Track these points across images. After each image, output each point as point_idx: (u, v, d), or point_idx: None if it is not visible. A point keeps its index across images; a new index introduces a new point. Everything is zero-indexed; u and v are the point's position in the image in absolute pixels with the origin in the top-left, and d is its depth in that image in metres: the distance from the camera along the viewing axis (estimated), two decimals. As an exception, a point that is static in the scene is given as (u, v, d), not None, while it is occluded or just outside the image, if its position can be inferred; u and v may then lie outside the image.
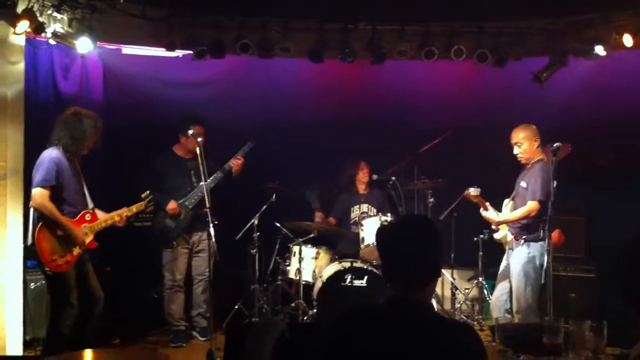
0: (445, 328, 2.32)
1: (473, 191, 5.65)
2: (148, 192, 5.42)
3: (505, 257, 5.70)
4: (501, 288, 5.67)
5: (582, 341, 2.77)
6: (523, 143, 5.51)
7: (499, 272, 5.75)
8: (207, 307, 6.13)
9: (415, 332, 2.24)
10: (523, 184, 5.52)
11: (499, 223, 5.69)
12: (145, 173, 6.23)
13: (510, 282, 5.57)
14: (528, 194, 5.44)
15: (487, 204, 5.70)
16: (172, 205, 6.09)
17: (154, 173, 6.22)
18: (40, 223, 4.78)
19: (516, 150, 5.56)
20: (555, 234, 5.49)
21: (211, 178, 6.08)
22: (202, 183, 5.57)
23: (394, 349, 2.23)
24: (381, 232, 2.50)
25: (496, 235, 5.78)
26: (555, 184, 5.40)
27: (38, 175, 4.81)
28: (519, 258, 5.44)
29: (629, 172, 6.64)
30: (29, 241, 4.83)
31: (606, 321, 2.79)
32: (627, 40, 5.65)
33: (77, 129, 4.93)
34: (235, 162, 6.26)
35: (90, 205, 5.11)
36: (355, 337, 2.29)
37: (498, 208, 5.77)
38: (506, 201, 5.72)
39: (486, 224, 5.97)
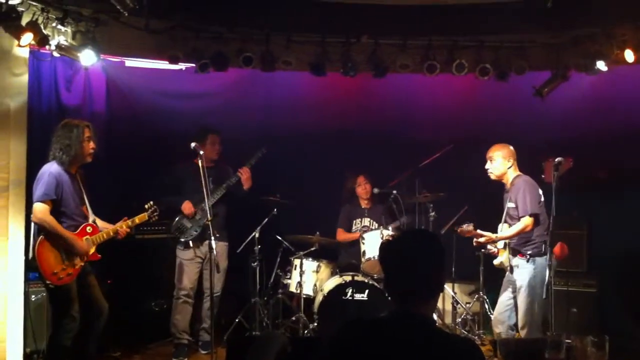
0: (448, 343, 2.31)
1: (466, 227, 5.69)
2: (152, 202, 5.41)
3: (506, 274, 5.70)
4: (503, 304, 5.66)
5: (584, 356, 2.76)
6: (495, 159, 5.64)
7: (501, 289, 5.74)
8: (211, 322, 6.12)
9: (417, 346, 2.24)
10: (510, 204, 5.56)
11: (496, 240, 5.66)
12: (165, 179, 6.38)
13: (514, 297, 5.56)
14: (519, 210, 5.47)
15: (479, 231, 5.70)
16: (187, 204, 6.19)
17: (174, 178, 6.36)
18: (41, 237, 4.78)
19: (487, 165, 5.69)
20: (557, 248, 5.50)
21: (222, 186, 6.28)
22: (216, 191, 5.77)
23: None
24: (384, 247, 2.49)
25: (495, 262, 5.77)
26: (542, 197, 5.46)
27: (38, 190, 4.81)
28: (525, 274, 5.43)
29: (630, 186, 6.64)
30: (30, 255, 4.83)
31: (608, 336, 2.79)
32: (629, 55, 5.67)
33: (67, 138, 4.93)
34: (242, 173, 6.34)
35: (92, 218, 5.11)
36: (357, 348, 2.29)
37: (494, 231, 5.77)
38: (500, 226, 5.71)
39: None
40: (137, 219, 5.30)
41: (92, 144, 5.05)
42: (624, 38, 5.69)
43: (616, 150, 6.76)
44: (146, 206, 5.39)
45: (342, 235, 7.16)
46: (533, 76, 6.30)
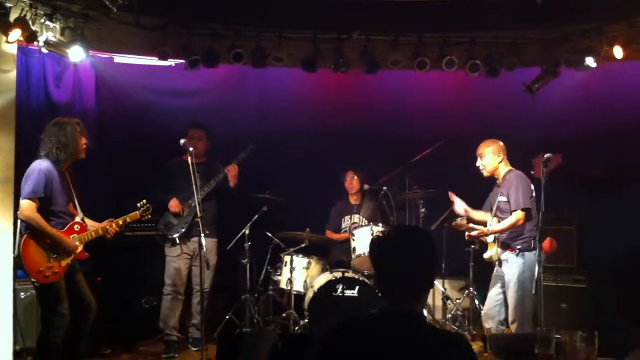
0: (438, 338, 2.32)
1: (460, 220, 5.71)
2: (144, 201, 5.37)
3: (495, 269, 5.71)
4: (493, 299, 5.68)
5: (573, 352, 2.77)
6: (486, 156, 5.65)
7: (490, 284, 5.75)
8: (201, 318, 6.10)
9: (408, 342, 2.24)
10: (502, 198, 5.56)
11: (488, 234, 5.68)
12: (155, 175, 6.38)
13: (503, 292, 5.58)
14: (512, 205, 5.48)
15: (471, 225, 5.71)
16: (174, 202, 6.17)
17: (164, 174, 6.35)
18: (26, 234, 4.74)
19: (478, 162, 5.71)
20: (546, 242, 5.52)
21: (210, 182, 6.25)
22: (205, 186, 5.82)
23: (387, 359, 2.22)
24: (375, 243, 2.49)
25: (485, 255, 5.78)
26: (534, 193, 5.48)
27: (27, 186, 4.76)
28: (514, 269, 5.45)
29: (621, 182, 6.67)
30: (15, 252, 4.80)
31: (597, 331, 2.80)
32: (618, 52, 5.70)
33: (60, 136, 4.90)
34: (229, 169, 6.30)
35: (80, 216, 5.07)
36: (348, 346, 2.29)
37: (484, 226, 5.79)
38: (490, 220, 5.72)
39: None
40: (128, 218, 5.25)
41: (84, 140, 5.05)
42: (614, 34, 5.71)
43: (610, 147, 6.78)
44: (138, 204, 5.32)
45: (331, 236, 7.17)
46: (526, 73, 6.30)
